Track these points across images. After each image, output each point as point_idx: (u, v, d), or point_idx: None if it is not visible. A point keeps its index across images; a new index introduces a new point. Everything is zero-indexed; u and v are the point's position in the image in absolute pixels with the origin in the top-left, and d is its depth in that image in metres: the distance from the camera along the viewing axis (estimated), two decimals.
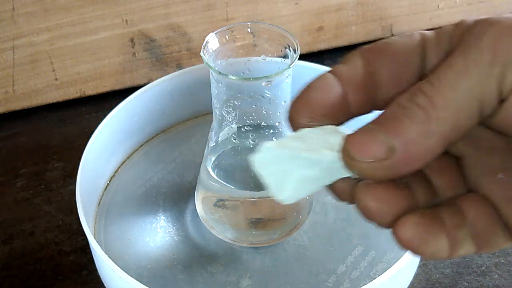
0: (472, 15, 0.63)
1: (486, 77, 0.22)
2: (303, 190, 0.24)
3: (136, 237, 0.44)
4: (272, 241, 0.43)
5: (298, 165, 0.23)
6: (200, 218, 0.44)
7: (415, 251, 0.23)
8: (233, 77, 0.37)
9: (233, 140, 0.41)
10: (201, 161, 0.43)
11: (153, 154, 0.50)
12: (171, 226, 0.45)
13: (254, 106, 0.39)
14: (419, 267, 0.43)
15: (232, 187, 0.41)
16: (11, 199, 0.49)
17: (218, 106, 0.40)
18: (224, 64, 0.39)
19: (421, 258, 0.43)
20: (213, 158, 0.42)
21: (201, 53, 0.38)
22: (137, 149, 0.50)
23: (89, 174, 0.44)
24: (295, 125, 0.24)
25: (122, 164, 0.49)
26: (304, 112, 0.24)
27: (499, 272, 0.43)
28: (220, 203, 0.43)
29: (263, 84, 0.38)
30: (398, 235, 0.23)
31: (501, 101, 0.22)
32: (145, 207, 0.46)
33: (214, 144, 0.42)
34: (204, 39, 0.38)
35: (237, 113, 0.39)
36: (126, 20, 0.54)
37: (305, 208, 0.43)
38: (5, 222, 0.47)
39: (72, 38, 0.54)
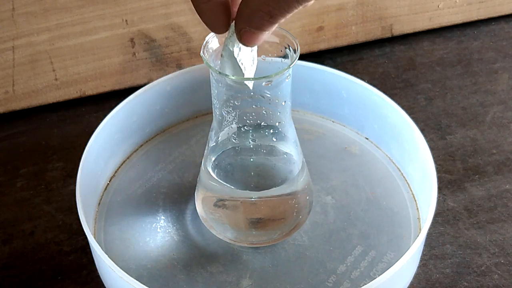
0: (472, 15, 0.63)
1: None
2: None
3: (136, 237, 0.44)
4: (272, 241, 0.43)
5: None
6: (200, 218, 0.44)
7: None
8: (233, 77, 0.37)
9: (233, 140, 0.41)
10: (201, 161, 0.43)
11: (153, 154, 0.50)
12: (171, 226, 0.45)
13: (254, 106, 0.39)
14: (419, 267, 0.43)
15: (232, 187, 0.41)
16: (11, 199, 0.49)
17: (218, 106, 0.40)
18: None
19: (421, 258, 0.43)
20: (213, 158, 0.42)
21: (201, 53, 0.38)
22: (137, 149, 0.50)
23: (89, 174, 0.44)
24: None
25: (122, 164, 0.49)
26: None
27: (499, 272, 0.43)
28: (220, 203, 0.43)
29: (263, 84, 0.38)
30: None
31: None
32: (145, 207, 0.46)
33: (214, 144, 0.42)
34: (204, 39, 0.38)
35: (237, 113, 0.39)
36: (126, 20, 0.54)
37: (305, 208, 0.43)
38: (5, 222, 0.47)
39: (72, 38, 0.54)
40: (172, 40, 0.56)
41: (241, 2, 0.33)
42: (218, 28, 0.35)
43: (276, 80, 0.38)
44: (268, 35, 0.34)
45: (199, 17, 0.35)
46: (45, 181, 0.50)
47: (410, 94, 0.57)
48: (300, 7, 0.32)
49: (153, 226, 0.45)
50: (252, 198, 0.41)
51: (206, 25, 0.35)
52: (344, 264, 0.42)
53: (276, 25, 0.33)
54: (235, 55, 0.36)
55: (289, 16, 0.32)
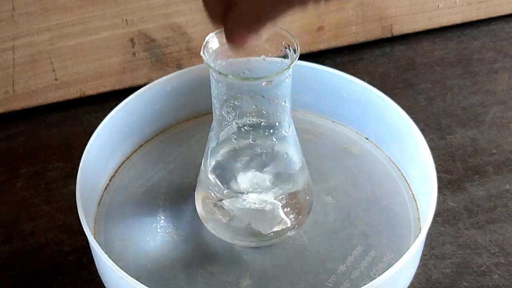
0: (472, 15, 0.63)
1: None
2: None
3: (136, 237, 0.44)
4: (272, 241, 0.43)
5: None
6: (200, 218, 0.44)
7: None
8: (233, 77, 0.37)
9: (233, 140, 0.41)
10: (201, 161, 0.43)
11: (153, 154, 0.50)
12: (171, 226, 0.45)
13: (254, 106, 0.39)
14: (419, 267, 0.43)
15: (232, 187, 0.41)
16: (11, 199, 0.49)
17: (218, 106, 0.40)
18: (224, 64, 0.39)
19: (421, 258, 0.43)
20: (213, 158, 0.42)
21: (201, 53, 0.38)
22: (137, 149, 0.50)
23: (89, 174, 0.44)
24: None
25: (122, 164, 0.49)
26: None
27: (499, 272, 0.43)
28: (220, 203, 0.43)
29: (263, 84, 0.38)
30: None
31: None
32: (145, 207, 0.46)
33: (214, 144, 0.42)
34: (204, 39, 0.38)
35: (237, 113, 0.39)
36: (126, 20, 0.54)
37: (305, 208, 0.43)
38: (5, 222, 0.47)
39: (72, 38, 0.54)
40: (172, 40, 0.56)
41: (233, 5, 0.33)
42: (214, 16, 0.34)
43: (276, 80, 0.38)
44: (258, 39, 0.33)
45: (199, 17, 0.34)
46: (45, 181, 0.50)
47: (410, 94, 0.57)
48: (287, 12, 0.31)
49: (153, 226, 0.45)
50: (252, 198, 0.41)
51: (204, 7, 0.35)
52: (344, 264, 0.42)
53: (266, 28, 0.32)
54: None
55: (277, 20, 0.32)
